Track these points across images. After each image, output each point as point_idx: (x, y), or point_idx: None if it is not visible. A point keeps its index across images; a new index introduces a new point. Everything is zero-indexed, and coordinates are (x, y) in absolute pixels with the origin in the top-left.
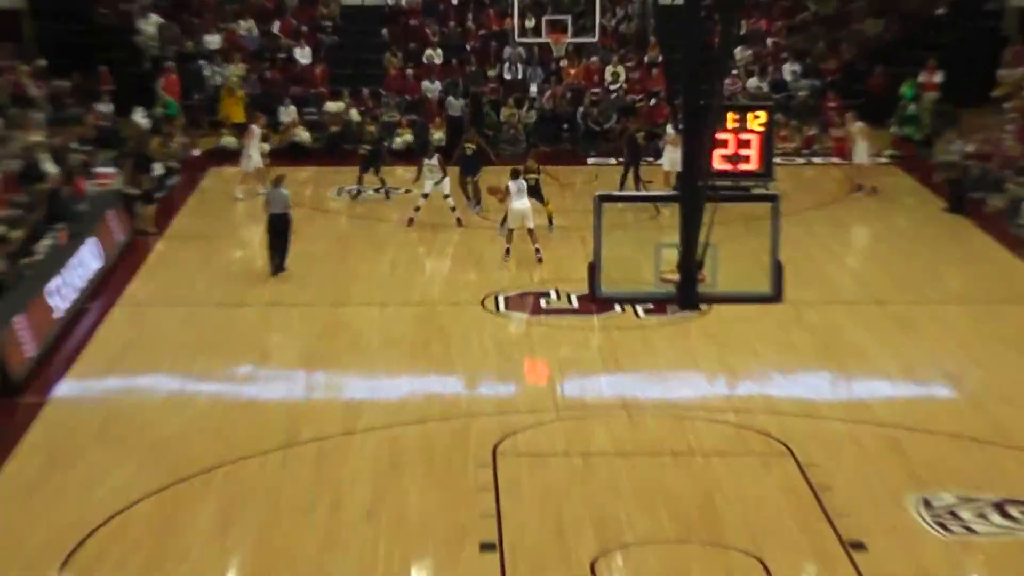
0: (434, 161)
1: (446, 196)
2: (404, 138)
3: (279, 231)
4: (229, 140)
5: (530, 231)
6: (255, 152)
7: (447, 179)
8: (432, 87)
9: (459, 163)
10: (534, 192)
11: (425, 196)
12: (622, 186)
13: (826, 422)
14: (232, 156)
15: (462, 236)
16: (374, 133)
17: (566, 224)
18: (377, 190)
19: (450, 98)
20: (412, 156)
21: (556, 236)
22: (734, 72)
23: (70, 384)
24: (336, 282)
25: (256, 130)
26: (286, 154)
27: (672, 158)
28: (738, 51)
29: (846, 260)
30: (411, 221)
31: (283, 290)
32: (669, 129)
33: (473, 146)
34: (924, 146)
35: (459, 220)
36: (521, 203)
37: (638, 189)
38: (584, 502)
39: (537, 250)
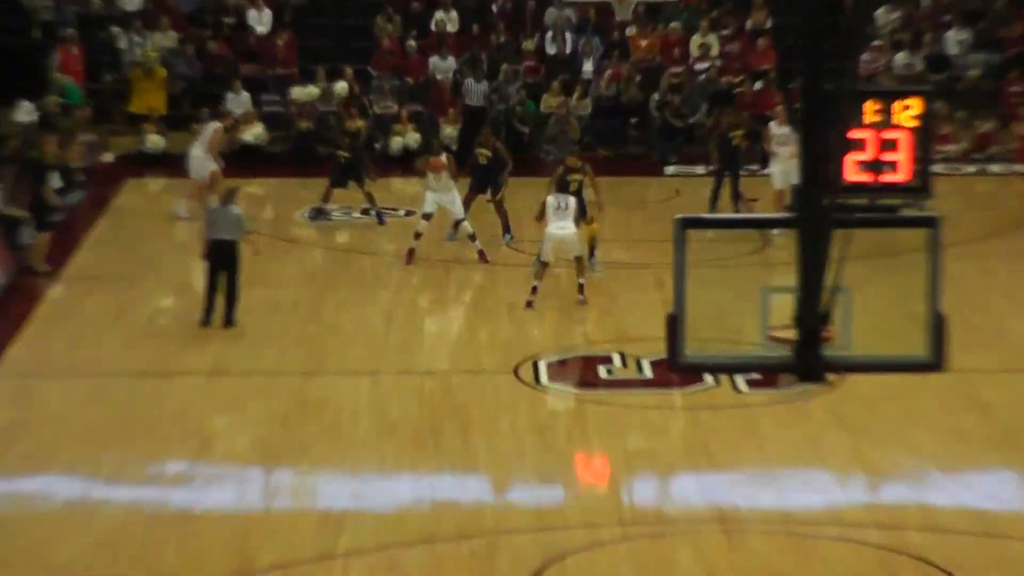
0: (441, 173)
1: (458, 221)
2: (404, 137)
3: (224, 264)
4: (155, 140)
5: (577, 259)
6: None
7: (455, 198)
8: (444, 65)
9: (469, 175)
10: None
11: (427, 218)
12: (714, 205)
13: (1010, 543)
14: (161, 161)
15: (486, 276)
16: (361, 131)
17: (633, 259)
18: (367, 211)
19: (469, 80)
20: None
21: (620, 277)
22: (875, 43)
23: None
24: (308, 341)
25: (219, 127)
26: (237, 159)
27: (785, 166)
28: (880, 12)
29: None
30: (410, 255)
31: (232, 353)
32: (773, 126)
33: (488, 152)
34: None
35: (481, 253)
36: (561, 226)
37: (737, 210)
38: None
39: (580, 288)
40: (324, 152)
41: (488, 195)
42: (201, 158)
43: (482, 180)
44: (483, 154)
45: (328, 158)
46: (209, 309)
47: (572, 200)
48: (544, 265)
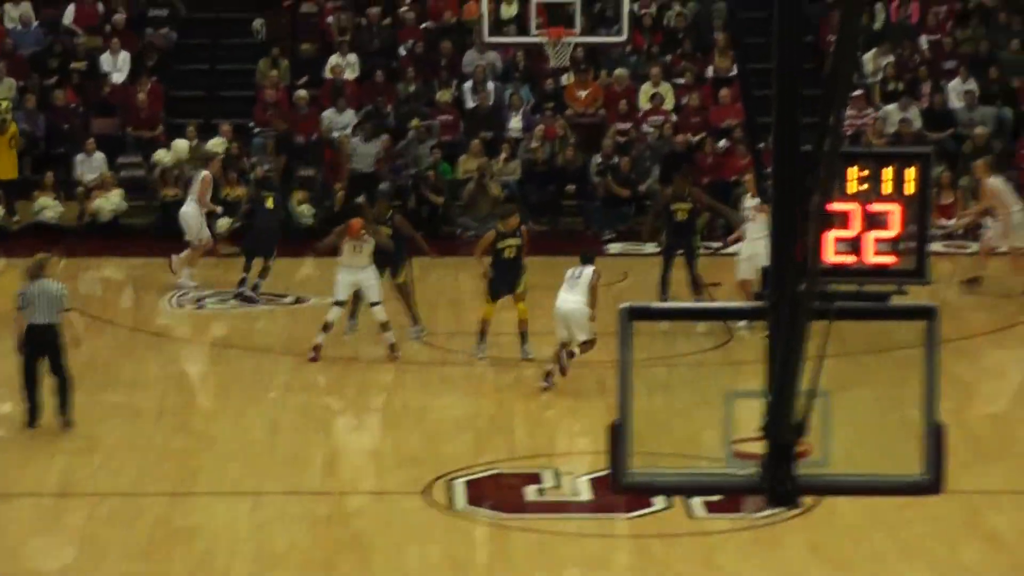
0: (363, 243)
1: (373, 304)
2: (297, 208)
3: (44, 352)
4: None
5: (584, 344)
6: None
7: (375, 277)
8: (340, 120)
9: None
10: (512, 268)
11: (341, 305)
12: (664, 291)
13: None
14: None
15: (392, 377)
16: (240, 199)
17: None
18: (246, 296)
19: (355, 140)
20: (311, 235)
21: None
22: (858, 93)
23: None
24: (175, 456)
25: (207, 177)
26: (91, 233)
27: (753, 245)
28: (868, 57)
29: None
30: (317, 351)
31: (83, 470)
32: (747, 199)
33: (387, 228)
34: None
35: (392, 347)
36: (564, 299)
37: (697, 297)
38: None
39: (554, 373)
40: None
41: (391, 277)
42: (195, 215)
43: (379, 262)
44: (381, 232)
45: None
46: (33, 409)
47: (588, 270)
48: (562, 346)
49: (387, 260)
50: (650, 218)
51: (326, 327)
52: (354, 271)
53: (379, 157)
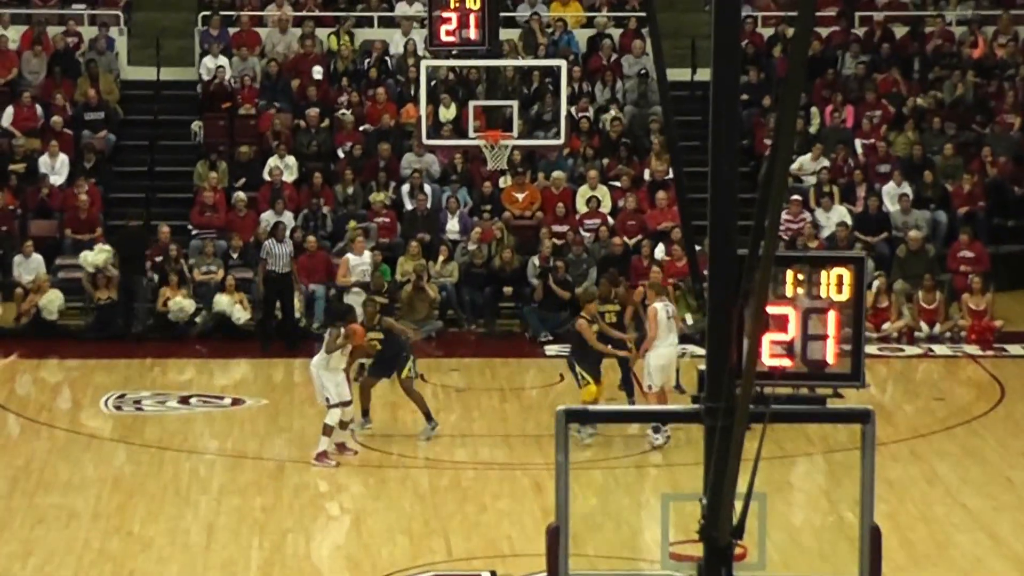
0: (339, 341)
1: (343, 403)
2: (235, 312)
3: None
4: None
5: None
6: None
7: (339, 381)
8: (279, 221)
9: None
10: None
11: (347, 403)
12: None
13: None
14: None
15: (333, 478)
16: (182, 304)
17: (507, 458)
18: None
19: (269, 243)
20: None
21: (491, 480)
22: (795, 197)
23: None
24: (112, 560)
25: (345, 259)
26: (27, 334)
27: (657, 353)
28: (803, 161)
29: (995, 524)
30: (341, 450)
31: (14, 574)
32: (660, 308)
33: (379, 334)
34: None
35: (322, 456)
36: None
37: (630, 399)
38: None
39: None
40: (137, 330)
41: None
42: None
43: (383, 369)
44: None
45: (143, 335)
46: None
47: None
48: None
49: (390, 365)
50: (573, 326)
51: (343, 426)
52: (337, 373)
53: (292, 256)
